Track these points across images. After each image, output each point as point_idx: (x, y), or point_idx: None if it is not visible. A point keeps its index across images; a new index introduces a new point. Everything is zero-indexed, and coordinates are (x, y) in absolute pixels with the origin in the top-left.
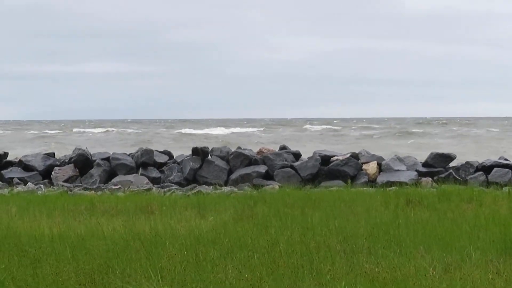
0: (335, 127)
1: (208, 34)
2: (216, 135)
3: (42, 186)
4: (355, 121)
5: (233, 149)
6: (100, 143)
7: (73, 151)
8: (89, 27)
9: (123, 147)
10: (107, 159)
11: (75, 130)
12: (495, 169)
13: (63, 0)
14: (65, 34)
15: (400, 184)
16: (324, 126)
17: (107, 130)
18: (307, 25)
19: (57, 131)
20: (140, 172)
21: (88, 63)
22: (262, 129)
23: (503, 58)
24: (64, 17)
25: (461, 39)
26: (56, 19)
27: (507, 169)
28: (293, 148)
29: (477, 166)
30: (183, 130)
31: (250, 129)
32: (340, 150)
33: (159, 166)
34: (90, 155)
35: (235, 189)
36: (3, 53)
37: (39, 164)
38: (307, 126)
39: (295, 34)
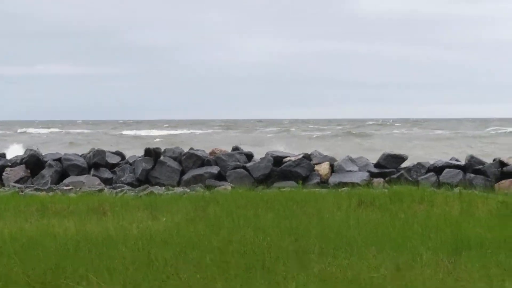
0: (286, 128)
1: (166, 36)
2: (163, 136)
3: None
4: (306, 123)
5: (185, 150)
6: (48, 144)
7: (25, 152)
8: (44, 28)
9: (70, 147)
10: (59, 159)
11: (19, 131)
12: (446, 169)
13: (18, 2)
14: (18, 36)
15: (352, 184)
16: (275, 128)
17: (50, 131)
18: (264, 27)
19: (2, 132)
20: (92, 173)
21: (43, 65)
22: (210, 130)
23: (459, 61)
24: (18, 19)
25: (416, 41)
26: (11, 20)
27: (458, 170)
28: (245, 149)
29: (428, 167)
30: (133, 132)
31: (201, 131)
32: (292, 151)
33: (111, 167)
34: (42, 155)
35: (188, 190)
36: None
37: None
38: (259, 128)
39: (254, 36)
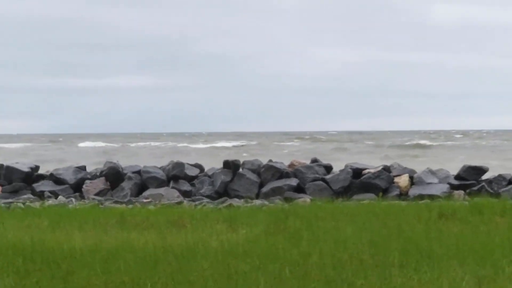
0: (361, 139)
1: (237, 46)
2: (236, 147)
3: (73, 199)
4: (373, 134)
5: (264, 162)
6: (127, 156)
7: (104, 164)
8: (114, 39)
9: (149, 159)
10: (138, 172)
11: (87, 144)
12: None
13: (85, 12)
14: (89, 47)
15: (432, 197)
16: (338, 140)
17: (122, 145)
18: (334, 36)
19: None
20: (171, 185)
21: (114, 77)
22: (287, 143)
23: None
24: (88, 29)
25: (490, 51)
26: (80, 31)
27: None
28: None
29: (509, 179)
30: (213, 144)
31: (279, 143)
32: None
33: (190, 179)
34: (121, 168)
35: (267, 202)
36: (27, 65)
37: (70, 178)
38: (322, 138)
39: (323, 45)
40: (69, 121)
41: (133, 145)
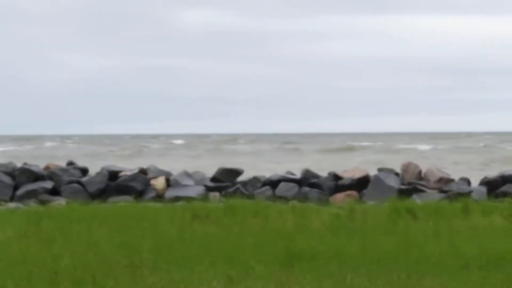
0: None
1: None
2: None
3: None
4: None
5: (19, 165)
6: None
7: None
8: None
9: None
10: None
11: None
12: (282, 183)
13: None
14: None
15: (188, 199)
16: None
17: None
18: (82, 41)
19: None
20: None
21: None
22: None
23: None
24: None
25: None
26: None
27: (293, 184)
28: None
29: (264, 181)
30: None
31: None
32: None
33: None
34: None
35: (21, 205)
36: None
37: None
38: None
39: (77, 51)
40: None
41: None
